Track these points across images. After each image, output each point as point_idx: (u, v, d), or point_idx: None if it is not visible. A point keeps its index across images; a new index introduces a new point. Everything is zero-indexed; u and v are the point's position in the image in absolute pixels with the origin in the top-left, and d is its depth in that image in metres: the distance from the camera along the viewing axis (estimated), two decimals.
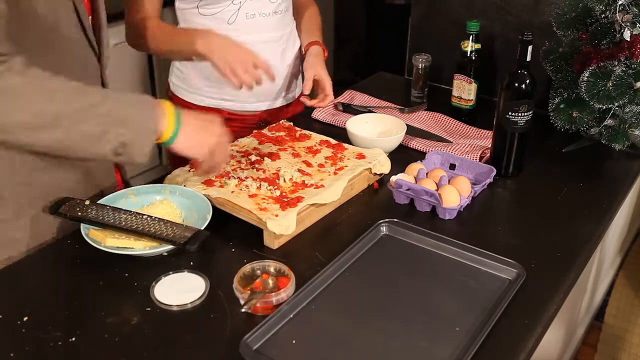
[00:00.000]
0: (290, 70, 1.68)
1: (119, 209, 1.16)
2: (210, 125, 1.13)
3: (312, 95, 1.63)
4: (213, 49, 1.35)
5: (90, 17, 1.16)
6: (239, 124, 1.67)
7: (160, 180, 1.30)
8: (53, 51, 1.07)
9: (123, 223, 1.12)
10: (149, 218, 1.14)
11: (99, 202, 1.19)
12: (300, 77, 1.73)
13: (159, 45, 1.49)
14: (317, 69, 1.60)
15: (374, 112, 1.68)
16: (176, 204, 1.22)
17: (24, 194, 1.15)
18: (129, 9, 1.49)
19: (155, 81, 2.93)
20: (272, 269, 1.06)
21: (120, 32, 1.53)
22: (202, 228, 1.12)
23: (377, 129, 1.55)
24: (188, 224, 1.15)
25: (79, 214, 1.13)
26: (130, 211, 1.16)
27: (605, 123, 1.49)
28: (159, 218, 1.15)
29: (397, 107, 1.75)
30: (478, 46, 1.61)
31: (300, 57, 1.69)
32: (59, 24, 1.06)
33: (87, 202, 1.16)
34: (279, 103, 1.70)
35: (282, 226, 1.13)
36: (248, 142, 1.42)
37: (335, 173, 1.30)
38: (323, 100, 1.62)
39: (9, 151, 1.08)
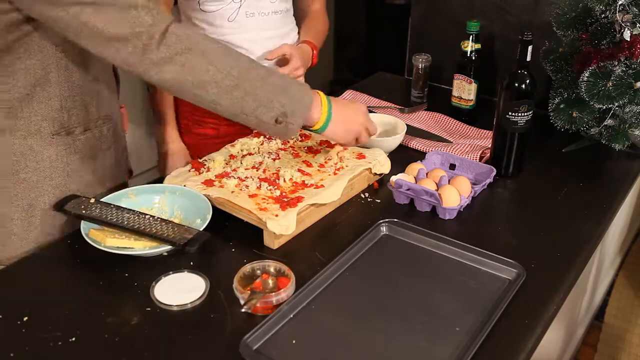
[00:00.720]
0: None
1: (122, 207, 1.17)
2: (355, 114, 1.26)
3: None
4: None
5: None
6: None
7: (160, 180, 1.30)
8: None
9: (126, 222, 1.12)
10: (151, 218, 1.14)
11: (102, 200, 1.19)
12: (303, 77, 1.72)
13: None
14: (292, 49, 1.55)
15: (374, 112, 1.67)
16: (175, 205, 1.22)
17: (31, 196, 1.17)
18: None
19: None
20: (272, 269, 1.06)
21: None
22: (202, 228, 1.12)
23: (377, 129, 1.54)
24: (188, 224, 1.15)
25: (83, 211, 1.13)
26: (134, 210, 1.16)
27: (605, 123, 1.49)
28: (161, 218, 1.15)
29: (397, 107, 1.75)
30: (478, 46, 1.61)
31: None
32: None
33: (92, 200, 1.17)
34: None
35: (282, 226, 1.13)
36: (248, 142, 1.42)
37: (335, 173, 1.30)
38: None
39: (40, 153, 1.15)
